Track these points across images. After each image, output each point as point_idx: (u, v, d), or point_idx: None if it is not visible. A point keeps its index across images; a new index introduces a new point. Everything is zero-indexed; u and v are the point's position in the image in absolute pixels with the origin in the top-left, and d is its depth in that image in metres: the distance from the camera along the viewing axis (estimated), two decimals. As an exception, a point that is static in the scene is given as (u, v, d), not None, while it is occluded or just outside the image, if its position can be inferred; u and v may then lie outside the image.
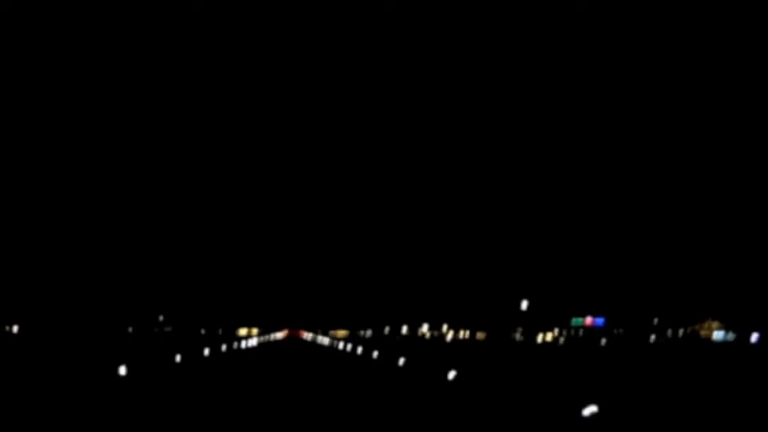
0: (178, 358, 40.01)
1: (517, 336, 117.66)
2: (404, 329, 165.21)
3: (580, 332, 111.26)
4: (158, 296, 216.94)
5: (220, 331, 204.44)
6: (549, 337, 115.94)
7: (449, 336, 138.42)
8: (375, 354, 55.04)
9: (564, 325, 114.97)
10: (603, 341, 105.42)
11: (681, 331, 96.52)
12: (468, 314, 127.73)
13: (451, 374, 29.16)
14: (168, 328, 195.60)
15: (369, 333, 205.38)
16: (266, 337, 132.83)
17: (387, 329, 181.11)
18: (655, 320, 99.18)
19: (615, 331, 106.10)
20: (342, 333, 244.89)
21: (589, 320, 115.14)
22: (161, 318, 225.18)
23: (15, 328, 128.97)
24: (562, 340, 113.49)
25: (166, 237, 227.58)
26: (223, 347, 63.62)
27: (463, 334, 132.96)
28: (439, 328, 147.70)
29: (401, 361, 43.32)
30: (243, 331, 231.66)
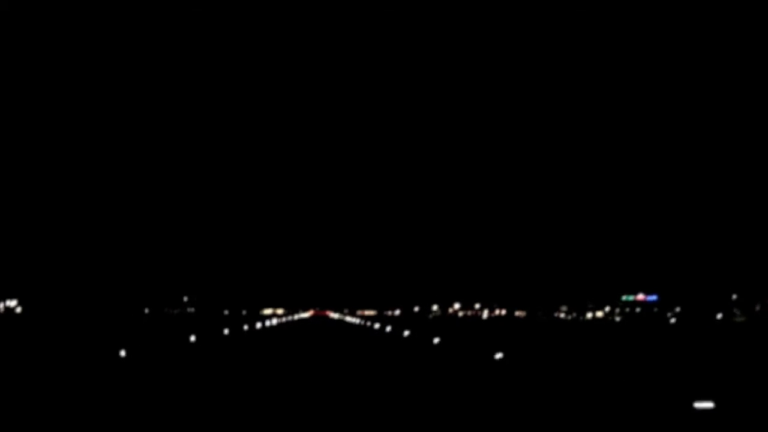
0: (192, 338, 36.51)
1: (562, 314, 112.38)
2: (435, 308, 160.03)
3: (636, 309, 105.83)
4: (183, 277, 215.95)
5: (244, 312, 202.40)
6: (599, 314, 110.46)
7: (485, 314, 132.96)
8: (406, 333, 51.17)
9: (613, 302, 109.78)
10: (672, 319, 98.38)
11: (758, 307, 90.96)
12: (505, 292, 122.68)
13: (498, 355, 25.04)
14: (191, 309, 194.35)
15: (397, 312, 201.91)
16: (291, 317, 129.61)
17: (416, 308, 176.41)
18: (734, 296, 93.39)
19: (676, 308, 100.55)
20: (369, 312, 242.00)
21: (641, 296, 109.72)
22: (185, 299, 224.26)
23: (18, 308, 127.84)
24: (617, 317, 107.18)
25: (192, 219, 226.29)
26: (245, 327, 60.24)
27: (499, 312, 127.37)
28: (472, 306, 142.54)
29: (435, 340, 39.31)
30: (268, 311, 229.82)
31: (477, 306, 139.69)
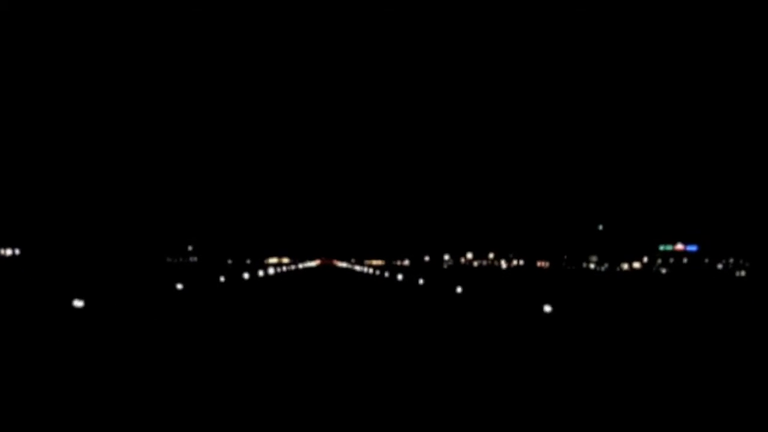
0: (179, 286, 32.10)
1: (591, 264, 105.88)
2: (446, 257, 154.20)
3: (672, 259, 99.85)
4: (188, 227, 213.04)
5: (248, 261, 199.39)
6: (636, 265, 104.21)
7: (502, 264, 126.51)
8: (420, 281, 46.67)
9: (650, 252, 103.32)
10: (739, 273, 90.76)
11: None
12: (522, 241, 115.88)
13: (547, 308, 20.33)
14: (193, 258, 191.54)
15: (406, 262, 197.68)
16: (296, 266, 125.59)
17: (427, 258, 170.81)
18: None
19: (725, 259, 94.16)
20: (377, 262, 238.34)
21: (680, 246, 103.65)
22: (190, 248, 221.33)
23: (14, 251, 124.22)
24: (662, 269, 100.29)
25: (198, 167, 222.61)
26: (245, 276, 55.93)
27: (517, 262, 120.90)
28: (486, 256, 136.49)
29: (458, 289, 34.71)
30: (273, 261, 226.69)
31: (491, 256, 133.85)
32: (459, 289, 34.52)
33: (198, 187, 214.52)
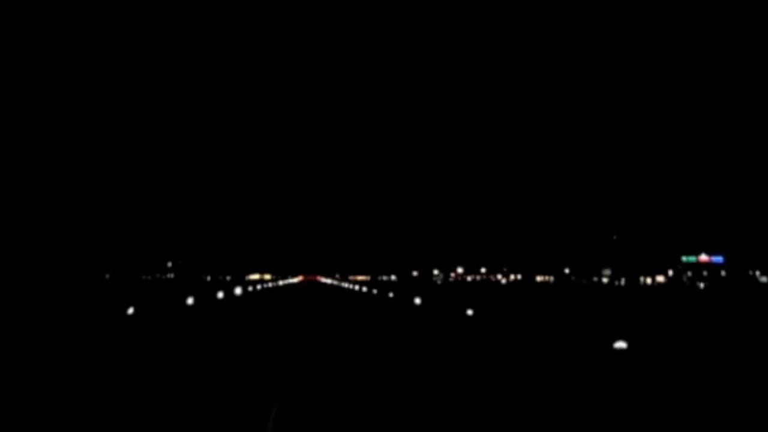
0: (130, 311, 26.76)
1: (604, 278, 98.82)
2: (436, 272, 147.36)
3: (721, 272, 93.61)
4: (169, 242, 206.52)
5: (228, 278, 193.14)
6: (660, 278, 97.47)
7: (499, 279, 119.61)
8: (417, 300, 41.48)
9: (672, 264, 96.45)
10: None
11: None
12: (518, 254, 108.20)
13: (620, 344, 15.26)
14: (170, 275, 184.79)
15: (393, 278, 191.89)
16: (276, 283, 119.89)
17: (415, 273, 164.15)
18: None
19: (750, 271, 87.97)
20: (362, 278, 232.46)
21: (704, 257, 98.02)
22: (170, 264, 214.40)
23: None
24: (698, 283, 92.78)
25: (177, 181, 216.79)
26: (220, 294, 50.47)
27: (514, 276, 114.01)
28: (477, 270, 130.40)
29: (469, 311, 29.69)
30: (255, 277, 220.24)
31: (483, 270, 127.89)
32: (470, 312, 29.39)
33: (177, 201, 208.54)
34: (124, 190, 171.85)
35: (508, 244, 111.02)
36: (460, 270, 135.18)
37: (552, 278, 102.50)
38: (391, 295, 53.89)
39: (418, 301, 41.51)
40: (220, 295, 49.96)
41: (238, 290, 62.85)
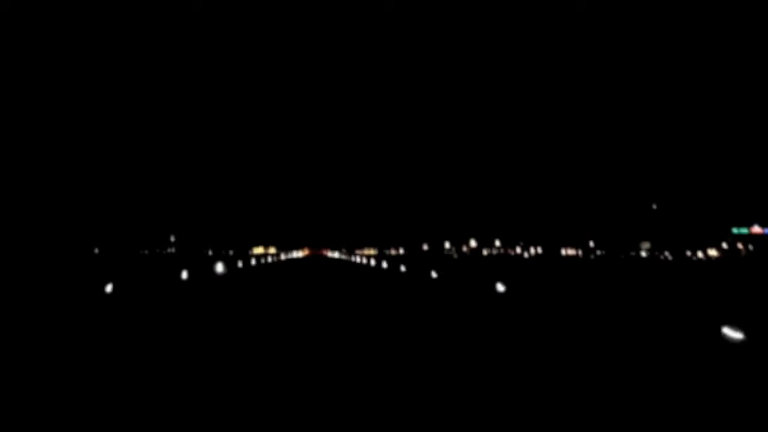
0: (108, 288, 23.19)
1: (643, 252, 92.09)
2: (447, 245, 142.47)
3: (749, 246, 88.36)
4: (172, 216, 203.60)
5: (231, 252, 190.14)
6: (713, 252, 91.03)
7: (523, 253, 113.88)
8: (433, 274, 37.68)
9: (720, 236, 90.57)
10: None
11: None
12: (535, 226, 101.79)
13: (734, 333, 11.57)
14: (171, 249, 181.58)
15: (401, 251, 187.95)
16: (280, 258, 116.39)
17: (425, 246, 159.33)
18: None
19: None
20: (369, 251, 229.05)
21: (757, 229, 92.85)
22: (172, 238, 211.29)
23: None
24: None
25: (182, 156, 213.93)
26: (219, 269, 46.87)
27: (535, 250, 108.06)
28: (491, 243, 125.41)
29: (500, 287, 25.91)
30: (259, 250, 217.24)
31: (497, 243, 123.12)
32: (500, 288, 25.53)
33: (181, 174, 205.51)
34: (127, 163, 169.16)
35: (525, 215, 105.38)
36: (473, 243, 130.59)
37: (580, 252, 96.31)
38: (403, 269, 50.09)
39: (434, 274, 37.74)
40: (219, 269, 46.34)
41: (252, 261, 59.37)
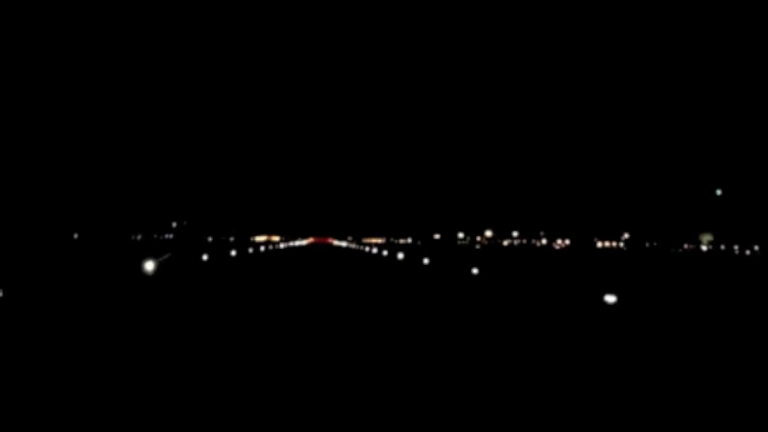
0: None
1: (702, 246, 79.61)
2: (461, 235, 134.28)
3: None
4: (173, 202, 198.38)
5: (232, 239, 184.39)
6: None
7: (546, 244, 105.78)
8: (474, 271, 31.15)
9: None
10: None
11: None
12: (568, 214, 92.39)
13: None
14: (168, 235, 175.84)
15: (409, 241, 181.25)
16: (284, 245, 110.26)
17: (437, 236, 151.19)
18: None
19: None
20: (376, 240, 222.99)
21: None
22: (174, 224, 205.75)
23: None
24: None
25: (185, 143, 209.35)
26: (204, 257, 40.76)
27: (562, 242, 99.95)
28: (508, 234, 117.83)
29: (609, 299, 19.56)
30: (262, 238, 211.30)
31: (515, 234, 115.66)
32: (610, 299, 19.22)
33: (183, 158, 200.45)
34: (130, 147, 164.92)
35: (548, 204, 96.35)
36: (488, 233, 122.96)
37: (619, 244, 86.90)
38: (425, 261, 43.47)
39: (475, 271, 31.26)
40: (205, 257, 40.19)
41: (250, 249, 53.25)
